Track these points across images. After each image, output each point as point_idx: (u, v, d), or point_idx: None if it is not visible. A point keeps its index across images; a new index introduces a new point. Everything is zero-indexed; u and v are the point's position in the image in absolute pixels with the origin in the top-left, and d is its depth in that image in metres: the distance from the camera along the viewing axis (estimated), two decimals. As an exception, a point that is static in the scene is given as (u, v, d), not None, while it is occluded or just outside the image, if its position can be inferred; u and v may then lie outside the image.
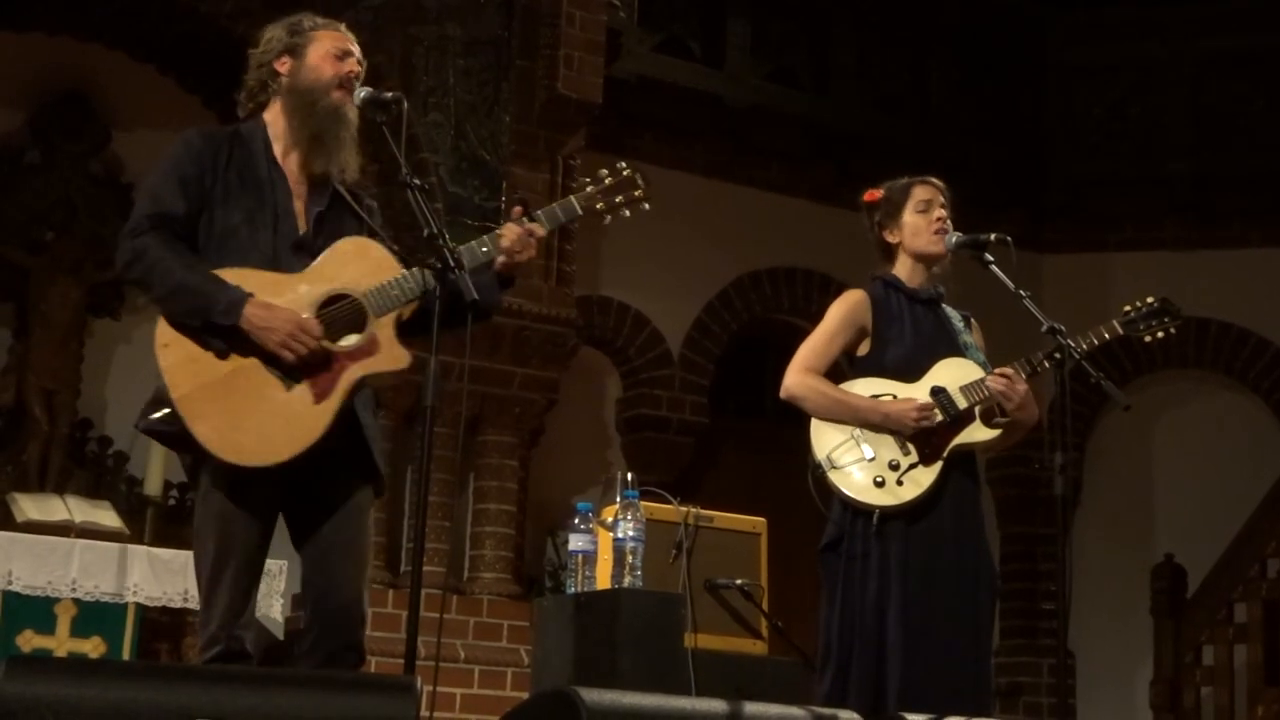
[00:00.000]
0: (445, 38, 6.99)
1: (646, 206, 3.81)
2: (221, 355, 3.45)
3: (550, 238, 6.98)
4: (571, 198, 3.78)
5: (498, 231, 3.66)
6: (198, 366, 3.44)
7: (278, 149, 3.65)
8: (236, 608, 3.49)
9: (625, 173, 3.79)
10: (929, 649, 4.09)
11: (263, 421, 3.42)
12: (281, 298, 3.46)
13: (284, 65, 3.68)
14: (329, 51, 3.68)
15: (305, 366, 3.43)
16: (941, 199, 4.37)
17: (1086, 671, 8.38)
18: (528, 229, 3.65)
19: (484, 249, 3.60)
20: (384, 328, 3.48)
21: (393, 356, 3.48)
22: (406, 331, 3.57)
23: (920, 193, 4.38)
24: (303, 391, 3.43)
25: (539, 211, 3.70)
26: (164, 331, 3.49)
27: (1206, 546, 7.82)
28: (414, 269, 3.53)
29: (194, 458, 3.54)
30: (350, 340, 3.47)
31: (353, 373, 3.45)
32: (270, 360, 3.44)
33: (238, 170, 3.60)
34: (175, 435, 3.48)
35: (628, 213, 3.79)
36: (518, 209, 3.72)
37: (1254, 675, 7.55)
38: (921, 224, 4.35)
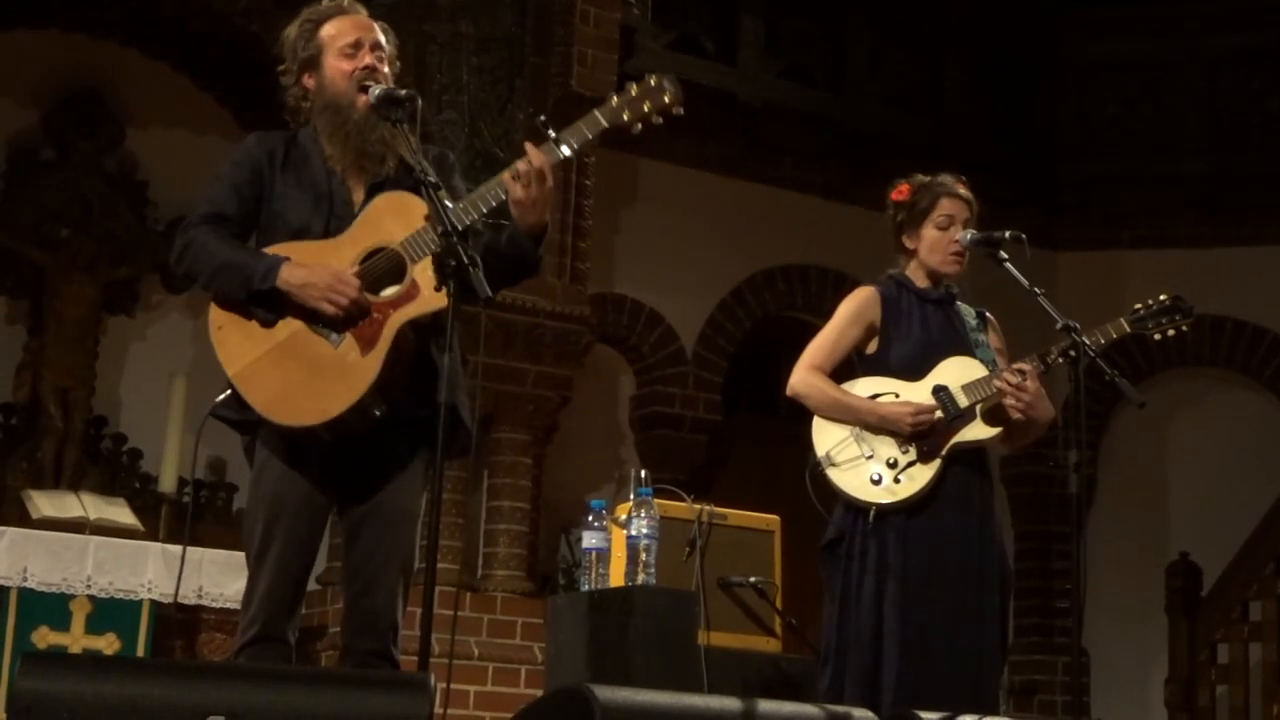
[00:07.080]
0: (459, 35, 6.99)
1: (679, 112, 3.55)
2: (269, 325, 3.47)
3: (564, 235, 6.98)
4: (595, 110, 3.50)
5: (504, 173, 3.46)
6: (250, 342, 3.47)
7: (330, 160, 3.61)
8: (280, 594, 3.49)
9: (653, 80, 3.54)
10: (926, 645, 4.08)
11: (314, 380, 3.43)
12: (325, 260, 3.46)
13: (310, 81, 3.64)
14: (339, 50, 3.60)
15: (349, 321, 3.43)
16: (966, 214, 4.32)
17: (1101, 670, 8.36)
18: (533, 166, 3.40)
19: (492, 194, 3.44)
20: (423, 271, 3.42)
21: (434, 297, 3.42)
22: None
23: (946, 206, 4.32)
24: (349, 345, 3.44)
25: (561, 132, 3.47)
26: (216, 315, 3.53)
27: (1221, 544, 7.79)
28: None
29: (250, 439, 3.58)
30: (391, 290, 3.46)
31: (395, 319, 3.44)
32: (315, 320, 3.45)
33: (295, 171, 3.60)
34: (236, 421, 3.53)
35: (659, 119, 3.53)
36: (531, 147, 3.45)
37: (1269, 673, 7.53)
38: (940, 242, 4.31)
